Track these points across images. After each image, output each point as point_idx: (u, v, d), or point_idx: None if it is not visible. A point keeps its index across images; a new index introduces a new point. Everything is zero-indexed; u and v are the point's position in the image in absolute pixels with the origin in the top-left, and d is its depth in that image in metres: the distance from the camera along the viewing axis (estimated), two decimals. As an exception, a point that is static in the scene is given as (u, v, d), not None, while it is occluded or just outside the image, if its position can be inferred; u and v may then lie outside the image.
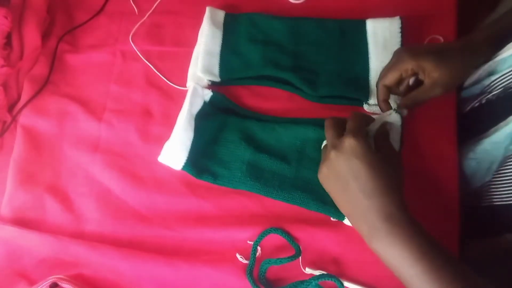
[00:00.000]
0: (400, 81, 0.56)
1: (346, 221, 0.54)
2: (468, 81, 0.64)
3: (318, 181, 0.52)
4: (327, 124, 0.52)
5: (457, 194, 0.57)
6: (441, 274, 0.42)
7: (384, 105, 0.56)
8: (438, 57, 0.52)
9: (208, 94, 0.63)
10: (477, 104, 0.62)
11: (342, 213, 0.52)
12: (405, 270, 0.44)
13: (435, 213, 0.56)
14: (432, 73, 0.52)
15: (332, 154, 0.48)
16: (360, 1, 0.68)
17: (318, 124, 0.58)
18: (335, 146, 0.48)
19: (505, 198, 0.54)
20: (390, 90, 0.57)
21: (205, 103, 0.62)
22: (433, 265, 0.43)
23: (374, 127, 0.52)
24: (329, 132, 0.51)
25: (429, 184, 0.58)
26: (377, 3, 0.68)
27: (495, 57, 0.58)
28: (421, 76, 0.54)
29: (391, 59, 0.56)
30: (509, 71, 0.57)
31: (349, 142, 0.46)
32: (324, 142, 0.54)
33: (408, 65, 0.53)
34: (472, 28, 0.65)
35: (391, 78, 0.55)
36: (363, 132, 0.48)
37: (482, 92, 0.61)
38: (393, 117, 0.54)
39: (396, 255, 0.45)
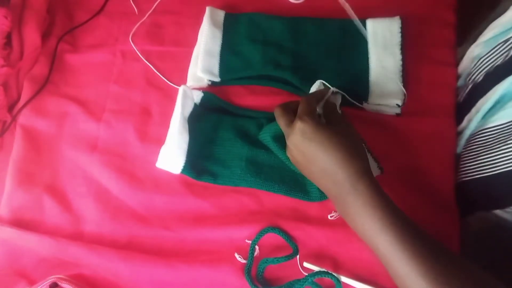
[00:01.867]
0: None
1: None
2: (460, 68, 0.65)
3: None
4: (276, 113, 0.52)
5: (453, 187, 0.58)
6: (406, 243, 0.42)
7: None
8: None
9: (198, 95, 0.63)
10: (464, 95, 0.63)
11: None
12: (371, 239, 0.45)
13: (432, 207, 0.56)
14: None
15: (288, 143, 0.49)
16: (360, 1, 0.68)
17: None
18: (288, 135, 0.49)
19: (471, 173, 0.55)
20: None
21: (195, 104, 0.62)
22: (397, 235, 0.43)
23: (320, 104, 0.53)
24: (280, 122, 0.51)
25: (425, 176, 0.58)
26: (377, 3, 0.68)
27: (478, 40, 0.59)
28: None
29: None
30: (487, 53, 0.57)
31: (298, 127, 0.47)
32: None
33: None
34: (472, 28, 0.65)
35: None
36: (311, 112, 0.48)
37: (467, 80, 0.62)
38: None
39: (360, 225, 0.46)
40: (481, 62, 0.59)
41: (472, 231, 0.55)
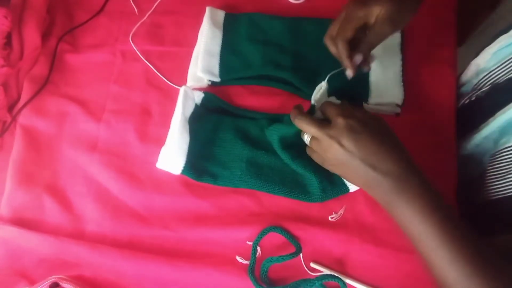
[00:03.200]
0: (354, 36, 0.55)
1: (352, 190, 0.56)
2: (464, 78, 0.65)
3: (316, 172, 0.54)
4: (301, 122, 0.51)
5: (454, 187, 0.58)
6: (449, 232, 0.44)
7: (349, 62, 0.55)
8: None
9: (199, 96, 0.63)
10: (467, 101, 0.62)
11: (343, 193, 0.56)
12: (415, 228, 0.45)
13: None
14: (380, 11, 0.52)
15: (333, 144, 0.48)
16: (360, 1, 0.68)
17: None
18: (331, 136, 0.48)
19: (502, 191, 0.55)
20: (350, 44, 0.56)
21: (196, 105, 0.62)
22: (441, 223, 0.44)
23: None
24: (310, 129, 0.50)
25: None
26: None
27: (483, 52, 0.59)
28: (370, 21, 0.53)
29: (341, 14, 0.55)
30: (497, 67, 0.57)
31: (345, 124, 0.47)
32: (306, 136, 0.54)
33: (360, 12, 0.53)
34: (472, 28, 0.65)
35: (349, 31, 0.54)
36: (347, 109, 0.49)
37: (472, 90, 0.62)
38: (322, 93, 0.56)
39: (406, 215, 0.46)
40: (490, 75, 0.59)
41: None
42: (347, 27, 0.54)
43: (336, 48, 0.55)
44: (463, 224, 0.45)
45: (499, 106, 0.55)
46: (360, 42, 0.53)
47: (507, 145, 0.54)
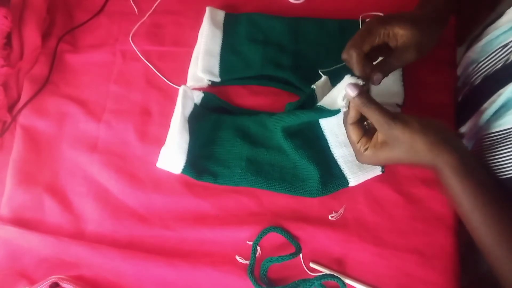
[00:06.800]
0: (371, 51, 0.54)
1: (352, 184, 0.56)
2: (458, 72, 0.65)
3: (318, 163, 0.54)
4: (354, 130, 0.50)
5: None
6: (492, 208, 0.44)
7: (361, 70, 0.52)
8: (408, 20, 0.52)
9: (199, 96, 0.63)
10: (462, 96, 0.62)
11: (343, 186, 0.56)
12: (465, 203, 0.45)
13: (431, 205, 0.56)
14: (404, 36, 0.51)
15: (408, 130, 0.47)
16: (359, 1, 0.68)
17: (302, 111, 0.58)
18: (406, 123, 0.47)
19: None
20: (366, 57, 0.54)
21: (196, 104, 0.62)
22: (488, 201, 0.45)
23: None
24: (379, 119, 0.47)
25: (425, 174, 0.58)
26: (376, 3, 0.68)
27: (473, 45, 0.59)
28: (392, 43, 0.53)
29: (361, 29, 0.54)
30: (485, 59, 0.57)
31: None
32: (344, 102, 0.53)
33: (381, 29, 0.52)
34: (472, 29, 0.65)
35: (367, 44, 0.52)
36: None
37: (465, 83, 0.62)
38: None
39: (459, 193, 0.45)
40: (480, 66, 0.59)
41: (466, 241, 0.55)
42: (366, 40, 0.53)
43: (348, 56, 0.54)
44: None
45: (487, 96, 0.55)
46: (383, 62, 0.52)
47: (486, 132, 0.54)
